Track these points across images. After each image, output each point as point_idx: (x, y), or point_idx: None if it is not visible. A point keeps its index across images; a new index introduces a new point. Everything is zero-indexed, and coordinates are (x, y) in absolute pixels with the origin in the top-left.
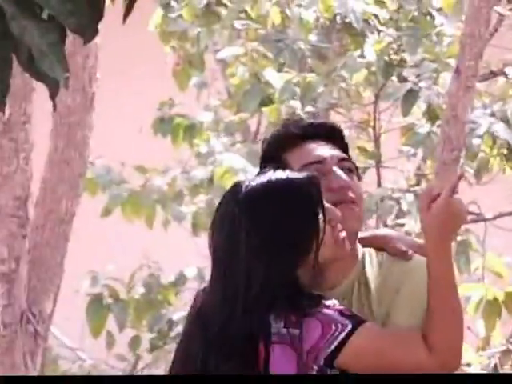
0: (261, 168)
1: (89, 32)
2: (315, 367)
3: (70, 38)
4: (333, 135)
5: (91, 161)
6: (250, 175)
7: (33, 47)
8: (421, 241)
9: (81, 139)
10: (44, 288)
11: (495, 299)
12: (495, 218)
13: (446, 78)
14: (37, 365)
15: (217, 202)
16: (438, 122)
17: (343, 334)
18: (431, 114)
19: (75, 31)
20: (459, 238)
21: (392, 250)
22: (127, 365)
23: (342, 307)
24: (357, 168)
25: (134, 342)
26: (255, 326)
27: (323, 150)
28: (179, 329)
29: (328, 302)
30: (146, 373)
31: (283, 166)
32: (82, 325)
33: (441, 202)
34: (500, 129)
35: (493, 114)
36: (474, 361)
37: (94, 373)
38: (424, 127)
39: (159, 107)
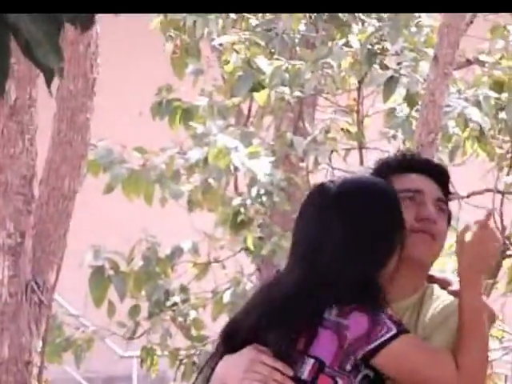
0: None
1: (86, 23)
2: (352, 359)
3: (71, 26)
4: (440, 176)
5: (94, 144)
6: (242, 155)
7: (28, 36)
8: None
9: (82, 122)
10: (48, 260)
11: None
12: (468, 196)
13: (425, 66)
14: (41, 331)
15: (211, 180)
16: (417, 107)
17: (387, 336)
18: (410, 100)
19: (72, 22)
20: None
21: (451, 292)
22: (127, 331)
23: (392, 314)
24: (450, 214)
25: (134, 311)
26: (313, 308)
27: (425, 184)
28: (175, 298)
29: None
30: (144, 338)
31: None
32: (85, 295)
33: (473, 239)
34: (473, 112)
35: (466, 100)
36: None
37: (96, 338)
38: (403, 111)
39: (157, 92)
